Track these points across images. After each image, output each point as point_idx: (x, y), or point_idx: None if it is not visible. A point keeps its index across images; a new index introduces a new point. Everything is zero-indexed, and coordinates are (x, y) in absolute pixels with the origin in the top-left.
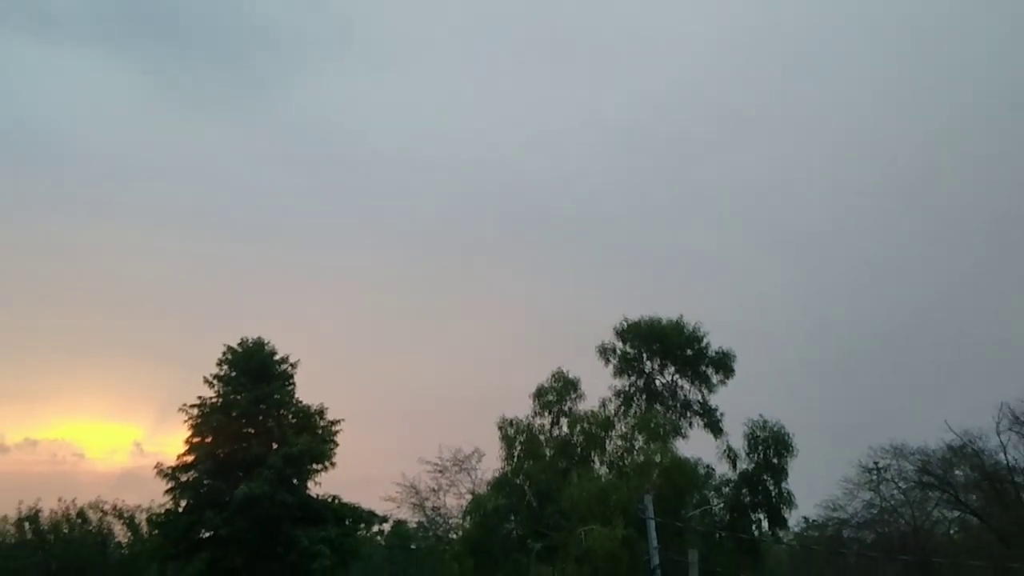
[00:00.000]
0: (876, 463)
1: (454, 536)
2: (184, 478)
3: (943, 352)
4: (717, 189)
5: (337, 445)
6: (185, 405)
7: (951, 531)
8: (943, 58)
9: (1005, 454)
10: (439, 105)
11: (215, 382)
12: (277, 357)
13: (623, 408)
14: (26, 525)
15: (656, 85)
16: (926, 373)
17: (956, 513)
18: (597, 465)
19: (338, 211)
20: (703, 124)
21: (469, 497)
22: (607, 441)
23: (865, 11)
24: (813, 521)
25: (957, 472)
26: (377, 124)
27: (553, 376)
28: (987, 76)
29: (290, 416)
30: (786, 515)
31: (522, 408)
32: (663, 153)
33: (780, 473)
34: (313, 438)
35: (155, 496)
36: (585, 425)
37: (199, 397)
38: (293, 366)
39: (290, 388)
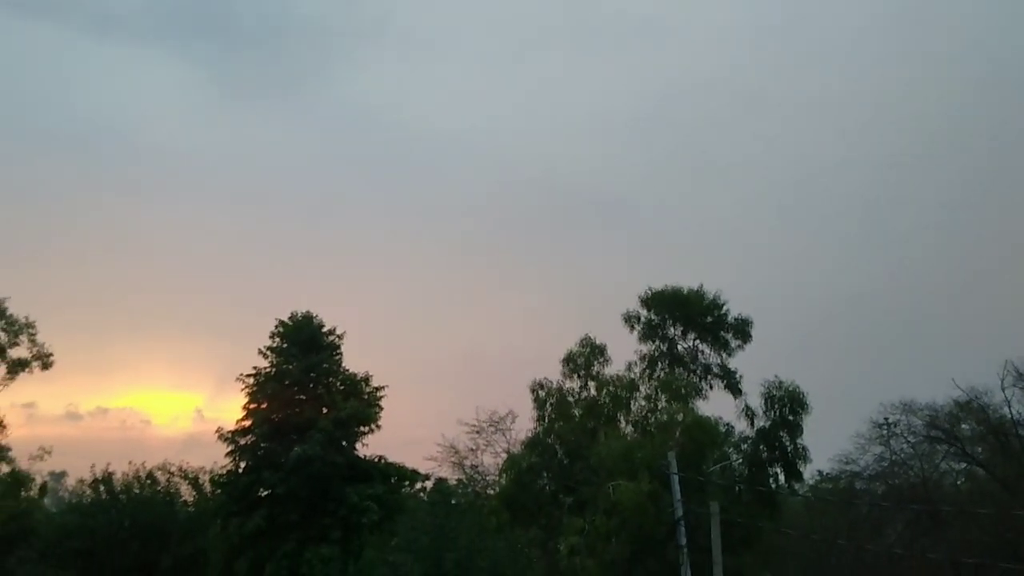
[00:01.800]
0: (887, 419)
1: (492, 492)
2: (243, 441)
3: (951, 312)
4: (736, 168)
5: (382, 409)
6: (242, 375)
7: (958, 482)
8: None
9: (1009, 408)
10: (472, 92)
11: (268, 353)
12: (325, 329)
13: (647, 371)
14: (101, 487)
15: (677, 73)
16: (934, 333)
17: (963, 465)
18: (623, 425)
19: (385, 192)
20: (723, 107)
21: (504, 456)
22: (632, 402)
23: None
24: (827, 474)
25: (964, 426)
26: (415, 111)
27: (581, 342)
28: (992, 46)
29: (338, 383)
30: (801, 469)
31: (553, 372)
32: (685, 137)
33: (796, 429)
34: (360, 403)
35: (217, 458)
36: (612, 387)
37: (254, 367)
38: (340, 337)
39: (338, 358)
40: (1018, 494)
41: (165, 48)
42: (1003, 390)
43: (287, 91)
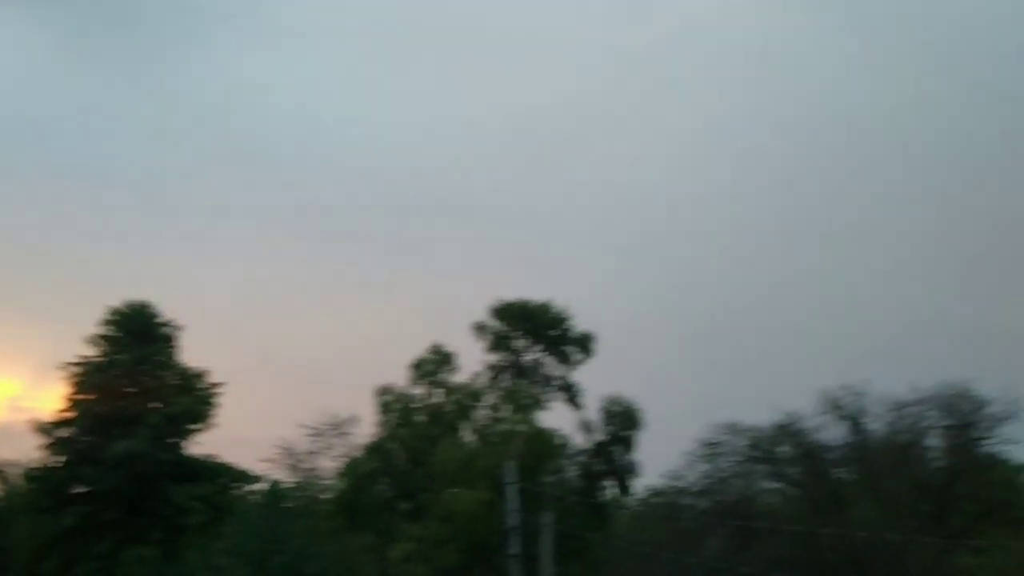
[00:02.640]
0: (714, 438)
1: (328, 496)
2: (61, 434)
3: (779, 341)
4: (597, 186)
5: (217, 407)
6: (65, 362)
7: (773, 500)
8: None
9: (822, 433)
10: (340, 86)
11: (98, 341)
12: (161, 320)
13: (493, 381)
14: None
15: (548, 87)
16: (762, 360)
17: (778, 484)
18: (466, 433)
19: (239, 179)
20: (589, 126)
21: (345, 460)
22: (476, 411)
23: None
24: (657, 489)
25: (781, 448)
26: (279, 97)
27: (431, 349)
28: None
29: (172, 377)
30: (632, 483)
31: (401, 377)
32: (552, 151)
33: (629, 445)
34: (193, 399)
35: (31, 451)
36: (457, 396)
37: (80, 355)
38: (177, 329)
39: (173, 350)
40: (825, 513)
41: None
42: (818, 416)
43: (141, 64)
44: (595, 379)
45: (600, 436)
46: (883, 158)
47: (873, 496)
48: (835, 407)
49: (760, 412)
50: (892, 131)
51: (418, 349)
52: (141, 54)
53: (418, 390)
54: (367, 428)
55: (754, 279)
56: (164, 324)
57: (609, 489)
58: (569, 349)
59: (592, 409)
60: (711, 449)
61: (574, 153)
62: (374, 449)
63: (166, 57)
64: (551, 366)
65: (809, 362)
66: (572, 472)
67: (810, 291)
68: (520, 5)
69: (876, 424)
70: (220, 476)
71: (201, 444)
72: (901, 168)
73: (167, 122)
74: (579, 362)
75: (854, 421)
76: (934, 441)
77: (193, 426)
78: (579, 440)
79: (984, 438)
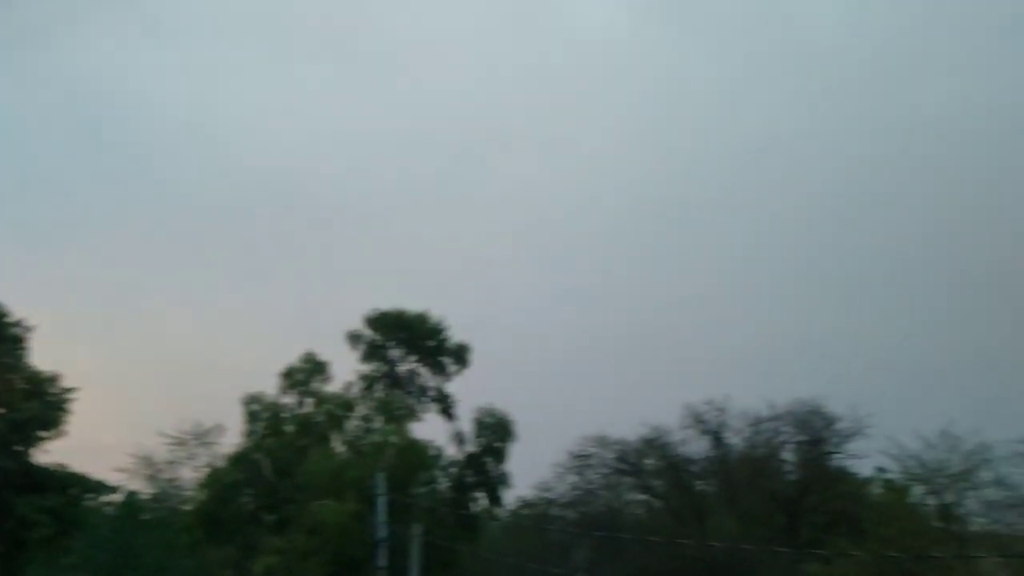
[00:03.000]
0: (584, 450)
1: (188, 508)
2: None
3: (646, 356)
4: (488, 201)
5: (69, 413)
6: None
7: (639, 511)
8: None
9: (686, 447)
10: (219, 85)
11: None
12: (9, 320)
13: (366, 391)
14: None
15: (441, 100)
16: (633, 374)
17: (644, 496)
18: (337, 444)
19: (101, 173)
20: (480, 142)
21: (207, 470)
22: (348, 422)
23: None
24: (527, 500)
25: (647, 461)
26: (153, 91)
27: (303, 357)
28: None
29: (19, 381)
30: (503, 494)
31: (272, 386)
32: (442, 164)
33: (501, 456)
34: (43, 404)
35: None
36: (329, 405)
37: None
38: (28, 330)
39: (22, 352)
40: (686, 524)
41: None
42: (682, 430)
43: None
44: (470, 390)
45: (472, 448)
46: (758, 183)
47: (732, 508)
48: (698, 422)
49: (629, 426)
50: (772, 155)
51: (291, 357)
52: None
53: (288, 399)
54: (233, 437)
55: (628, 295)
56: (13, 324)
57: (480, 501)
58: (444, 360)
59: (466, 421)
60: (580, 461)
61: (465, 165)
62: (239, 459)
63: (37, 43)
64: (426, 377)
65: (677, 377)
66: (444, 484)
67: (681, 309)
68: (416, 15)
69: (736, 439)
70: (70, 486)
71: (50, 452)
72: (772, 192)
73: (32, 109)
74: (454, 373)
75: (716, 435)
76: (789, 455)
77: (42, 433)
78: (452, 451)
79: (833, 453)
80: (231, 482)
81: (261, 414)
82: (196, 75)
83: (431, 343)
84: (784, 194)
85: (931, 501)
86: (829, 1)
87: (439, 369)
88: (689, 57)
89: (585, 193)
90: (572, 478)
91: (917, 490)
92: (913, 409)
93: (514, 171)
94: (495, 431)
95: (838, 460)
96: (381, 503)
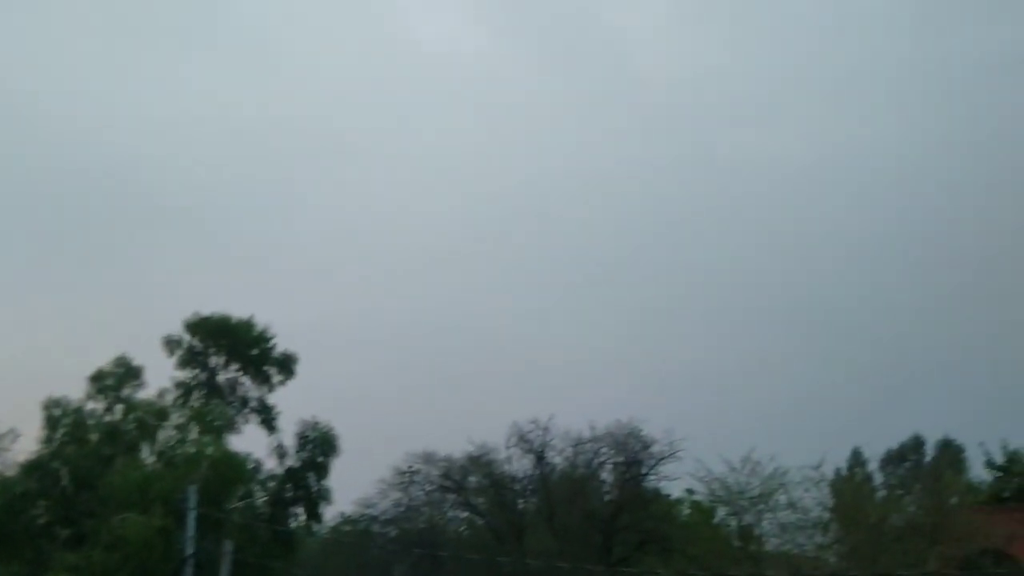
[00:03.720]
0: (409, 467)
1: None
2: None
3: (478, 374)
4: (323, 209)
5: None
6: None
7: (461, 529)
8: None
9: (510, 465)
10: (57, 70)
11: None
12: None
13: (182, 400)
14: None
15: (278, 102)
16: (463, 390)
17: (466, 514)
18: (147, 454)
19: None
20: (319, 149)
21: None
22: (161, 431)
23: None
24: (348, 517)
25: (472, 478)
26: None
27: (115, 361)
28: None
29: None
30: (323, 510)
31: (80, 390)
32: (277, 168)
33: (323, 471)
34: None
35: None
36: (139, 413)
37: None
38: None
39: None
40: (506, 542)
41: None
42: (507, 448)
43: None
44: (294, 402)
45: (294, 462)
46: (591, 204)
47: (550, 526)
48: (523, 441)
49: (456, 443)
50: (603, 177)
51: (102, 361)
52: None
53: (96, 405)
54: (29, 444)
55: (461, 311)
56: None
57: (299, 517)
58: (269, 370)
59: (288, 433)
60: (405, 478)
61: (304, 171)
62: (32, 468)
63: None
64: (248, 387)
65: (507, 396)
66: (261, 498)
67: (512, 329)
68: (267, 16)
69: (558, 458)
70: None
71: None
72: (600, 213)
73: None
74: (278, 384)
75: (538, 455)
76: (607, 476)
77: None
78: (271, 465)
79: (648, 475)
80: (22, 492)
81: (62, 420)
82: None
83: (255, 351)
84: (607, 217)
85: (732, 522)
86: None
87: (262, 379)
88: (536, 76)
89: (424, 206)
90: (396, 494)
91: (721, 511)
92: (721, 434)
93: (354, 178)
94: (318, 445)
95: (652, 481)
96: (191, 518)
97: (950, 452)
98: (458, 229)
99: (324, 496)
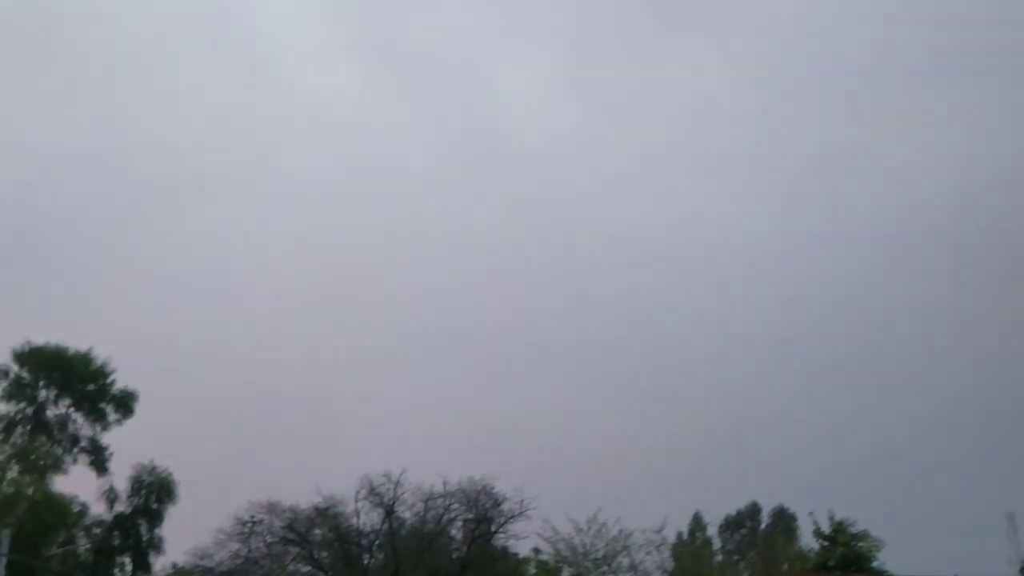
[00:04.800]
0: (251, 516)
1: None
2: None
3: (330, 423)
4: (193, 241)
5: None
6: None
7: None
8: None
9: (358, 518)
10: None
11: None
12: None
13: (3, 435)
14: None
15: (136, 128)
16: (313, 441)
17: (308, 568)
18: None
19: None
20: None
21: None
22: None
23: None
24: (180, 568)
25: (317, 531)
26: None
27: None
28: None
29: None
30: (153, 560)
31: None
32: (129, 192)
33: (156, 518)
34: None
35: None
36: None
37: None
38: None
39: None
40: None
41: None
42: (356, 501)
43: None
44: (131, 444)
45: (125, 507)
46: (441, 256)
47: None
48: (373, 494)
49: (303, 493)
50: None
51: None
52: None
53: None
54: None
55: (311, 359)
56: None
57: (125, 567)
58: (105, 407)
59: (121, 477)
60: (245, 528)
61: (159, 207)
62: None
63: None
64: (80, 424)
65: (361, 447)
66: (83, 546)
67: (364, 379)
68: (133, 45)
69: (408, 513)
70: None
71: None
72: (451, 270)
73: None
74: (115, 422)
75: (388, 509)
76: (456, 532)
77: None
78: (99, 510)
79: (497, 532)
80: None
81: None
82: None
83: (91, 387)
84: (455, 276)
85: None
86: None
87: (97, 416)
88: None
89: (266, 249)
90: (234, 545)
91: (566, 572)
92: (569, 494)
93: (218, 216)
94: (154, 491)
95: (501, 539)
96: (0, 565)
97: (784, 520)
98: (304, 271)
99: (155, 545)
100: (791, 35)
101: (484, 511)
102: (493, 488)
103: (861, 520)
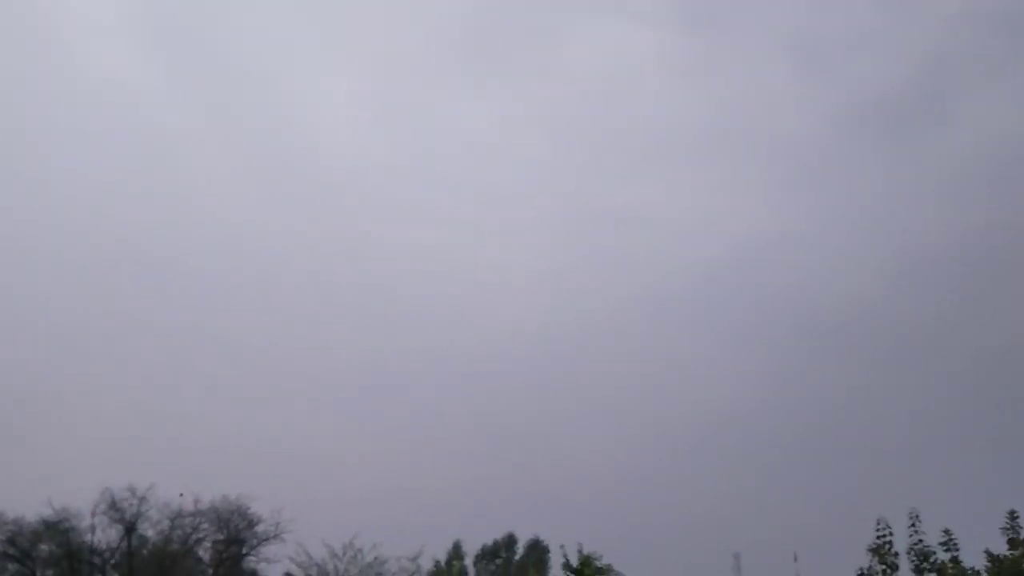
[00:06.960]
0: None
1: None
2: None
3: (59, 423)
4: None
5: None
6: None
7: None
8: None
9: (93, 535)
10: None
11: None
12: None
13: None
14: None
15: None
16: (44, 451)
17: None
18: None
19: None
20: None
21: None
22: None
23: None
24: None
25: (43, 546)
26: None
27: None
28: None
29: None
30: None
31: None
32: None
33: None
34: None
35: None
36: None
37: None
38: None
39: None
40: None
41: None
42: (93, 516)
43: None
44: None
45: None
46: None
47: None
48: (114, 509)
49: (33, 505)
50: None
51: None
52: None
53: None
54: None
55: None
56: None
57: None
58: None
59: None
60: None
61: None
62: None
63: None
64: None
65: (106, 459)
66: None
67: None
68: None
69: (152, 531)
70: None
71: None
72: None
73: None
74: None
75: (129, 526)
76: (204, 552)
77: None
78: None
79: (248, 555)
80: None
81: None
82: None
83: None
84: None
85: None
86: None
87: None
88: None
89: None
90: None
91: None
92: (331, 520)
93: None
94: None
95: (252, 562)
96: None
97: (537, 551)
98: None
99: None
100: (589, 92)
101: (236, 532)
102: (248, 508)
103: (610, 555)
